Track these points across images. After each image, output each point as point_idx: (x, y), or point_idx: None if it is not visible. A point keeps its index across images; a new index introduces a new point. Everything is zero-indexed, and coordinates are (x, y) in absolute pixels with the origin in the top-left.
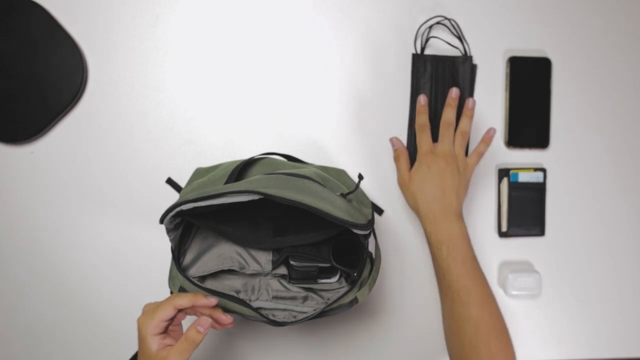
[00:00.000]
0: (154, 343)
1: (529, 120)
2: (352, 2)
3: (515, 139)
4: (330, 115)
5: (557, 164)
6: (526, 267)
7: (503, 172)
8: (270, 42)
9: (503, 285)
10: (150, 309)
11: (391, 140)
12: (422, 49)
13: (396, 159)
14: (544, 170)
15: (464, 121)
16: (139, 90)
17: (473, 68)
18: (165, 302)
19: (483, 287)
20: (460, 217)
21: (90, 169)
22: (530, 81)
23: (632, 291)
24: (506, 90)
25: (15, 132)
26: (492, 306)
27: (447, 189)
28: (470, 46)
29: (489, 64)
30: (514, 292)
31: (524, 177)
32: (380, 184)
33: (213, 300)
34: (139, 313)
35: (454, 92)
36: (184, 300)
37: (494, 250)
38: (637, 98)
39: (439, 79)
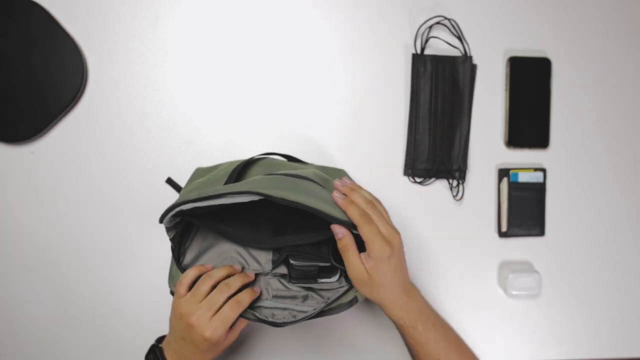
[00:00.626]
0: (225, 339)
1: (529, 120)
2: (352, 2)
3: (515, 139)
4: (330, 115)
5: (557, 164)
6: (526, 267)
7: (503, 172)
8: (270, 42)
9: (503, 285)
10: (208, 311)
11: (333, 227)
12: (422, 49)
13: (344, 250)
14: (544, 170)
15: (363, 193)
16: (139, 90)
17: (473, 68)
18: (238, 307)
19: (457, 339)
20: (412, 285)
21: (90, 169)
22: (530, 81)
23: (632, 291)
24: (506, 90)
25: (15, 132)
26: (467, 350)
27: (403, 269)
28: (470, 46)
29: (489, 64)
30: (514, 292)
31: (524, 177)
32: (380, 184)
33: (252, 275)
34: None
35: (340, 184)
36: (237, 283)
37: (494, 250)
38: (637, 98)
39: (439, 79)
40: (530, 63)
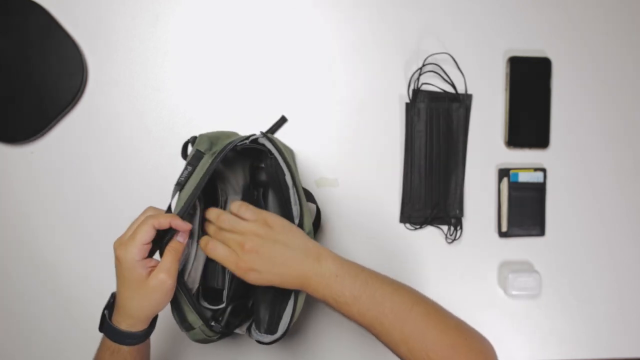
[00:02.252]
0: (143, 268)
1: (529, 120)
2: (352, 2)
3: (515, 139)
4: (330, 115)
5: (557, 164)
6: (526, 267)
7: (503, 172)
8: (270, 42)
9: (503, 285)
10: (126, 236)
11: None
12: (415, 96)
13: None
14: (544, 170)
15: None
16: (139, 90)
17: (467, 111)
18: (143, 224)
19: (406, 289)
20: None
21: (90, 169)
22: (530, 81)
23: (632, 291)
24: (506, 90)
25: (15, 132)
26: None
27: (289, 244)
28: (470, 46)
29: (489, 64)
30: (514, 292)
31: (524, 177)
32: (381, 183)
33: (189, 225)
34: None
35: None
36: (163, 219)
37: (494, 250)
38: (637, 98)
39: (434, 127)
40: (530, 63)
